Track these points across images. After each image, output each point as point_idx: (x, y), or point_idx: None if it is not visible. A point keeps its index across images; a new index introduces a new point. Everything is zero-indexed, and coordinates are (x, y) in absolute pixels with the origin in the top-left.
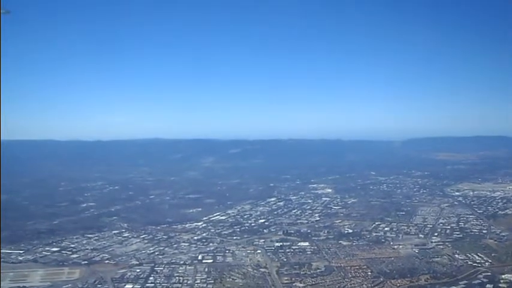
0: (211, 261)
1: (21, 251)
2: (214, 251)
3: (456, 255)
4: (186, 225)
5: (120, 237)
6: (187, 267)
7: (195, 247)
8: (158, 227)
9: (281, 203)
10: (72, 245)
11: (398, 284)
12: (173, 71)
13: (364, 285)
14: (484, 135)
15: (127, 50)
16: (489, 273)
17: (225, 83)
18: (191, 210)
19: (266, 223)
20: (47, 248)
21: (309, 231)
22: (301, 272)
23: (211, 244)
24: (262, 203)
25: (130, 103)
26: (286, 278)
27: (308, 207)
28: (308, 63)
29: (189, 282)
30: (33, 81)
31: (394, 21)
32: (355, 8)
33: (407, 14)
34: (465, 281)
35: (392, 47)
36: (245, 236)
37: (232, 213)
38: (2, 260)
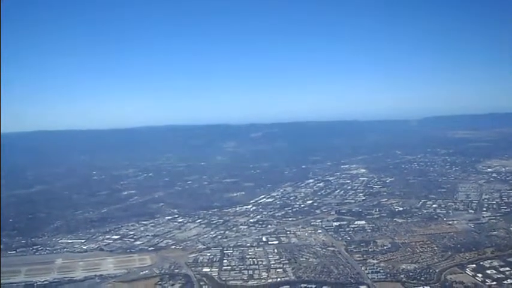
0: (276, 242)
1: (83, 240)
2: (276, 233)
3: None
4: (237, 209)
5: (175, 223)
6: (256, 249)
7: (255, 229)
8: (209, 212)
9: (321, 184)
10: (131, 232)
11: (467, 257)
12: (183, 57)
13: (435, 259)
14: (498, 112)
15: (137, 37)
16: None
17: (237, 67)
18: (235, 194)
19: (315, 204)
20: (107, 236)
21: (360, 210)
22: (369, 249)
23: (269, 226)
24: (302, 185)
25: (140, 91)
26: (357, 256)
27: (349, 187)
28: (320, 45)
29: (264, 263)
30: (45, 72)
31: (407, 2)
32: None
33: None
34: None
35: (404, 27)
36: (299, 217)
37: (277, 195)
38: (67, 249)
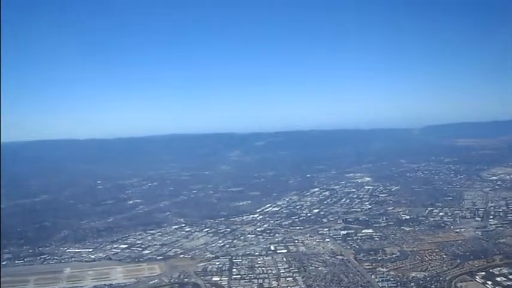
0: (285, 251)
1: (90, 249)
2: (284, 242)
3: None
4: (244, 218)
5: (183, 232)
6: (265, 258)
7: (262, 238)
8: (216, 221)
9: (327, 193)
10: (139, 241)
11: (476, 265)
12: (187, 66)
13: (444, 267)
14: (501, 120)
15: (141, 46)
16: None
17: (240, 76)
18: (241, 203)
19: (321, 213)
20: (115, 245)
21: (367, 218)
22: (378, 258)
23: (277, 235)
24: (308, 194)
25: (144, 100)
26: (367, 264)
27: (355, 196)
28: (323, 54)
29: (273, 272)
30: (48, 81)
31: (409, 10)
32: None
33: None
34: None
35: (407, 36)
36: (306, 225)
37: (283, 204)
38: (74, 259)
